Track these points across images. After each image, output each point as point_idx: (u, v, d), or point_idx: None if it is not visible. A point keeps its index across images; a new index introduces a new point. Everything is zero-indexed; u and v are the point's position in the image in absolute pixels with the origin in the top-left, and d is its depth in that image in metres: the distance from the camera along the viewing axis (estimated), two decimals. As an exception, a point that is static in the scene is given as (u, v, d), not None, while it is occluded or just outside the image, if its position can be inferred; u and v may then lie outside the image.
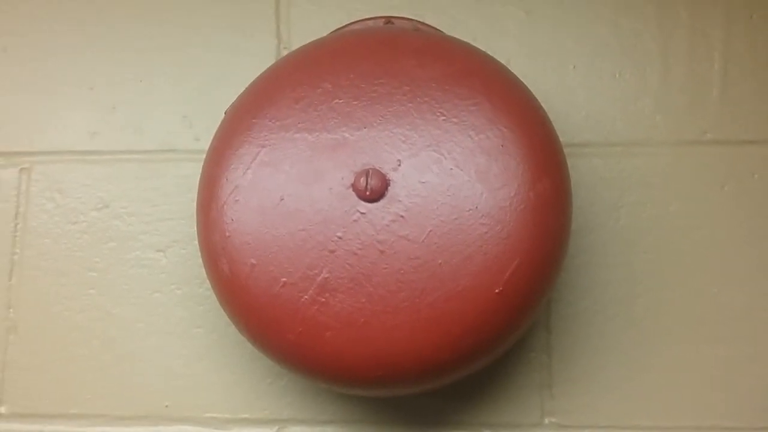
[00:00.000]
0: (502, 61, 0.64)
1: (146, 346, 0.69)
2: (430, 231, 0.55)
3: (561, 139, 0.60)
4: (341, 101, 0.58)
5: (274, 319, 0.56)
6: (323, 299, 0.55)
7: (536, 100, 0.60)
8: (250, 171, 0.58)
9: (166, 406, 0.68)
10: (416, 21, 0.68)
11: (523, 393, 0.65)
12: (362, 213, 0.55)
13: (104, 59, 0.73)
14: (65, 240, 0.71)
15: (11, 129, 0.73)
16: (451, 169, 0.56)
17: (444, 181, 0.55)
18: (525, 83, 0.61)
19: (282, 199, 0.56)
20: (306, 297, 0.55)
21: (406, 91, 0.57)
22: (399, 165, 0.56)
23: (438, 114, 0.57)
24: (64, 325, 0.69)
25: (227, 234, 0.57)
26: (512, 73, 0.61)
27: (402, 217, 0.55)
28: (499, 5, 0.71)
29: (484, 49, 0.62)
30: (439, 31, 0.68)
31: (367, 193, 0.55)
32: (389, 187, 0.56)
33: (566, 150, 0.60)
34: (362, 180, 0.55)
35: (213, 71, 0.72)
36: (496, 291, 0.54)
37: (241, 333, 0.59)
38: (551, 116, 0.60)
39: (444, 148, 0.56)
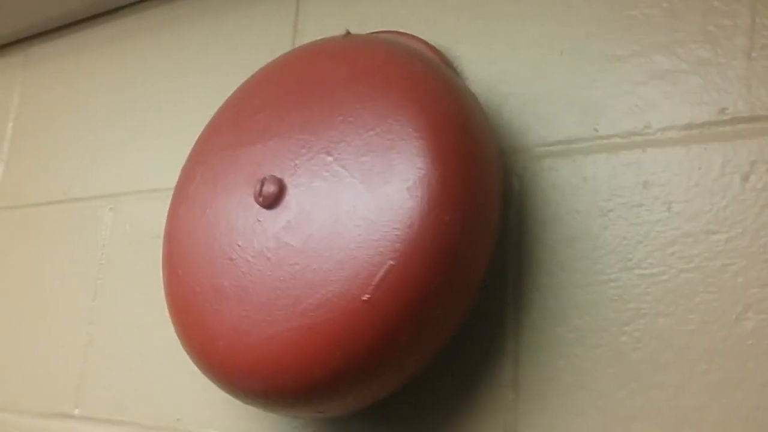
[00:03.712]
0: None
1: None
2: (309, 236, 0.52)
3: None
4: (263, 114, 0.58)
5: (187, 328, 0.57)
6: (220, 308, 0.55)
7: (459, 94, 0.53)
8: (194, 186, 0.61)
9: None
10: (395, 32, 0.65)
11: (490, 435, 0.55)
12: (260, 221, 0.55)
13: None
14: (137, 267, 0.80)
15: (102, 173, 0.86)
16: (338, 170, 0.52)
17: (330, 183, 0.52)
18: (463, 78, 0.54)
19: (205, 212, 0.58)
20: (208, 306, 0.55)
21: (316, 95, 0.56)
22: (295, 171, 0.54)
23: (336, 114, 0.54)
24: (136, 339, 0.78)
25: (168, 245, 0.60)
26: (441, 69, 0.55)
27: (289, 222, 0.53)
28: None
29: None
30: (404, 34, 0.64)
31: (261, 199, 0.54)
32: (286, 194, 0.54)
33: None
34: (258, 187, 0.55)
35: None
36: (364, 298, 0.48)
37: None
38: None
39: (336, 150, 0.53)
